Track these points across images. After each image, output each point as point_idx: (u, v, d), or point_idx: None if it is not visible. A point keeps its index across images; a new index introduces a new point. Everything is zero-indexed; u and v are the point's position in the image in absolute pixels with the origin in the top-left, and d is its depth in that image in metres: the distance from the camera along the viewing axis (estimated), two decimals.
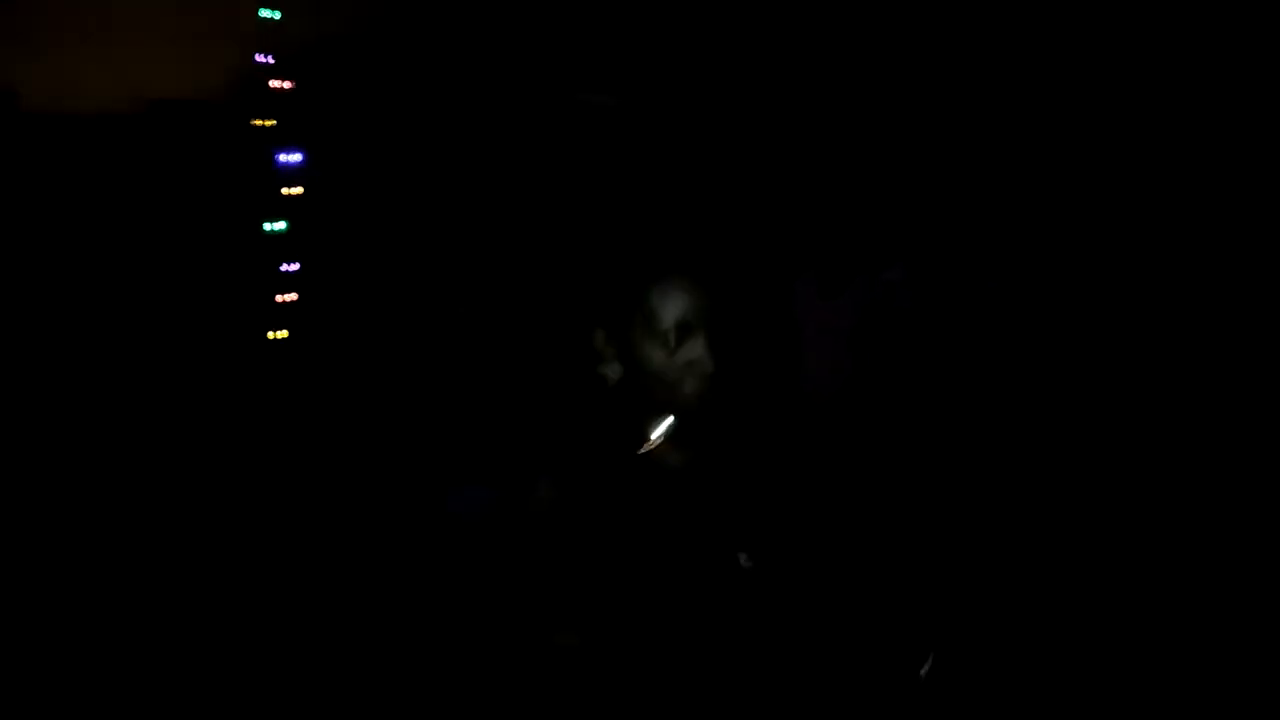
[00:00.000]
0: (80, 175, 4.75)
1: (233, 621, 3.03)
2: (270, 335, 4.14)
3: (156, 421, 4.05)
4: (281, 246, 4.35)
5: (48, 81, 4.58)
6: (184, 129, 5.10)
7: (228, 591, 3.17)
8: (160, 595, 3.20)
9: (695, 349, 1.72)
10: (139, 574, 3.30)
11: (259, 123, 4.52)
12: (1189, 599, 2.78)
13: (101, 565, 3.31)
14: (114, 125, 4.93)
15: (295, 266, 4.28)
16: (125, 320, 4.29)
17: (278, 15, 4.49)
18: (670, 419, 1.69)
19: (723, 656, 1.25)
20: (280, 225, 4.29)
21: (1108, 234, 3.38)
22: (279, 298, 4.25)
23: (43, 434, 3.82)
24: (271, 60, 4.56)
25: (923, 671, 1.21)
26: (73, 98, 4.80)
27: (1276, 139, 3.13)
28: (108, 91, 5.04)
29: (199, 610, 3.12)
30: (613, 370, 1.82)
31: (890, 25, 3.68)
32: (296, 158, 4.37)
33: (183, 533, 3.49)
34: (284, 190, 4.33)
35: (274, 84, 4.64)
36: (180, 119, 5.12)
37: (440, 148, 4.47)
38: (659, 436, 1.68)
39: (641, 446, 1.66)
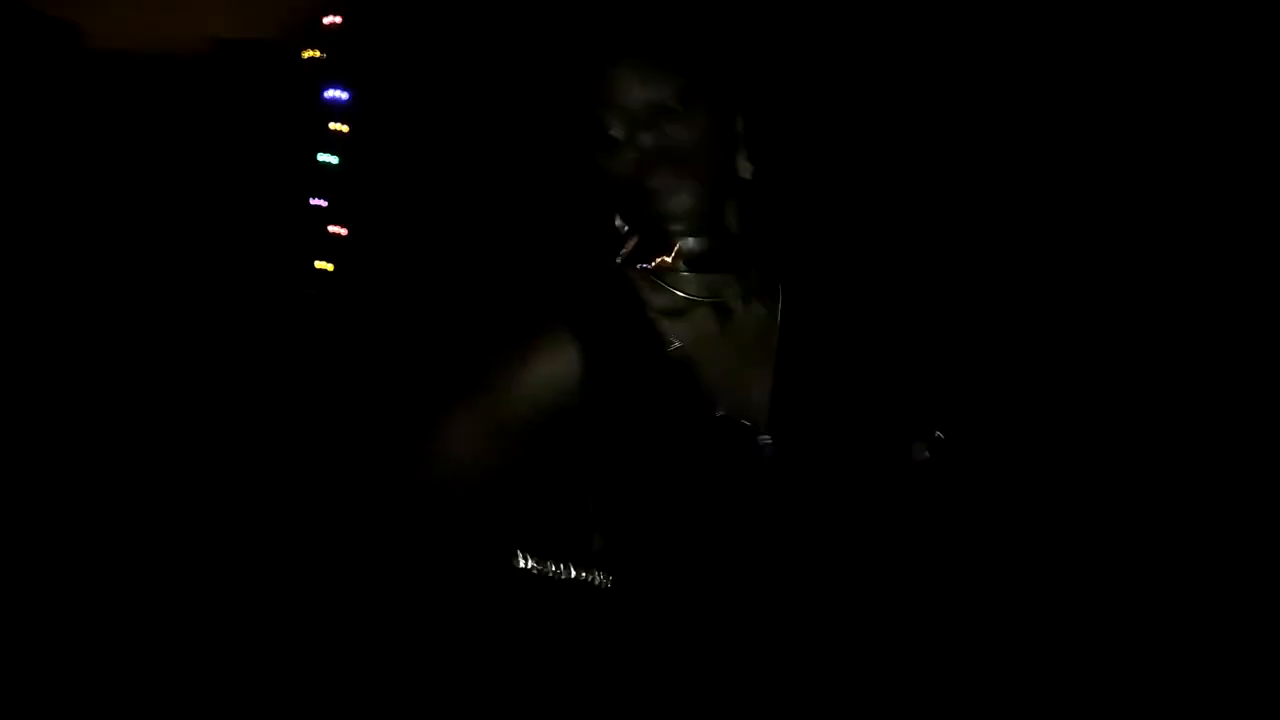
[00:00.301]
0: (140, 110, 4.86)
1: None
2: (318, 265, 4.25)
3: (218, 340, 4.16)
4: (331, 180, 4.44)
5: (111, 19, 4.70)
6: (245, 67, 5.20)
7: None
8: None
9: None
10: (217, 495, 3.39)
11: (311, 54, 4.59)
12: (1186, 598, 2.75)
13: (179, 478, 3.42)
14: (176, 63, 5.04)
15: (342, 201, 4.36)
16: (187, 245, 4.41)
17: None
18: None
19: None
20: (331, 159, 4.38)
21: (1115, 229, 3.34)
22: (331, 229, 4.35)
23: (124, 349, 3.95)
24: None
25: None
26: (134, 35, 4.92)
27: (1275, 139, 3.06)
28: (170, 30, 5.15)
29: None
30: None
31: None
32: (345, 95, 4.44)
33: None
34: (332, 125, 4.41)
35: (327, 20, 4.71)
36: (241, 57, 5.22)
37: (490, 87, 4.48)
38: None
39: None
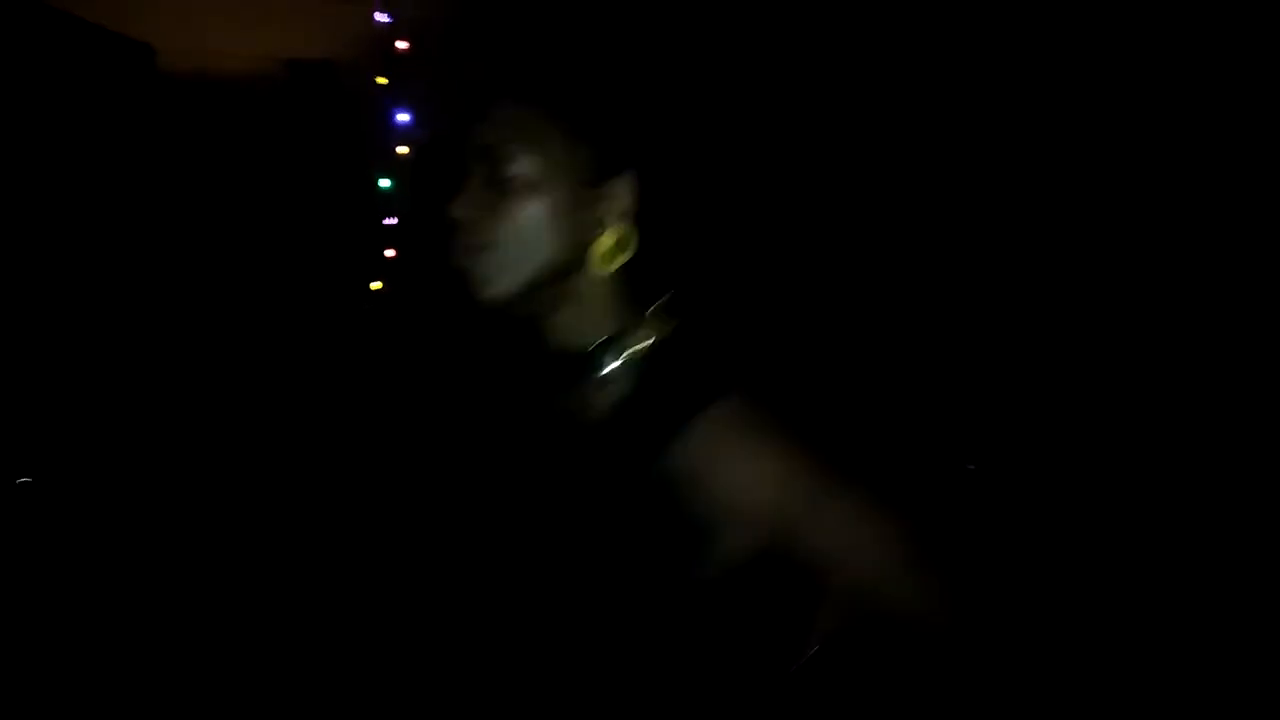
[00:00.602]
0: (209, 129, 4.98)
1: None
2: (372, 285, 4.31)
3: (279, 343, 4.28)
4: (390, 204, 4.50)
5: (185, 40, 4.81)
6: (312, 88, 5.31)
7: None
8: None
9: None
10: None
11: (381, 81, 4.66)
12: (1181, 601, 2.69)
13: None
14: (247, 83, 5.15)
15: (397, 222, 4.43)
16: (250, 261, 4.52)
17: None
18: None
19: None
20: (389, 183, 4.44)
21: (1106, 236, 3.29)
22: (386, 252, 4.41)
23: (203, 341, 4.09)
24: (391, 20, 4.70)
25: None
26: (206, 55, 5.04)
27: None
28: (240, 50, 5.26)
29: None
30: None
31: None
32: (408, 118, 4.50)
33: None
34: (398, 149, 4.47)
35: (396, 45, 4.79)
36: (308, 78, 5.32)
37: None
38: None
39: None
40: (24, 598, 2.77)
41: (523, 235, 0.97)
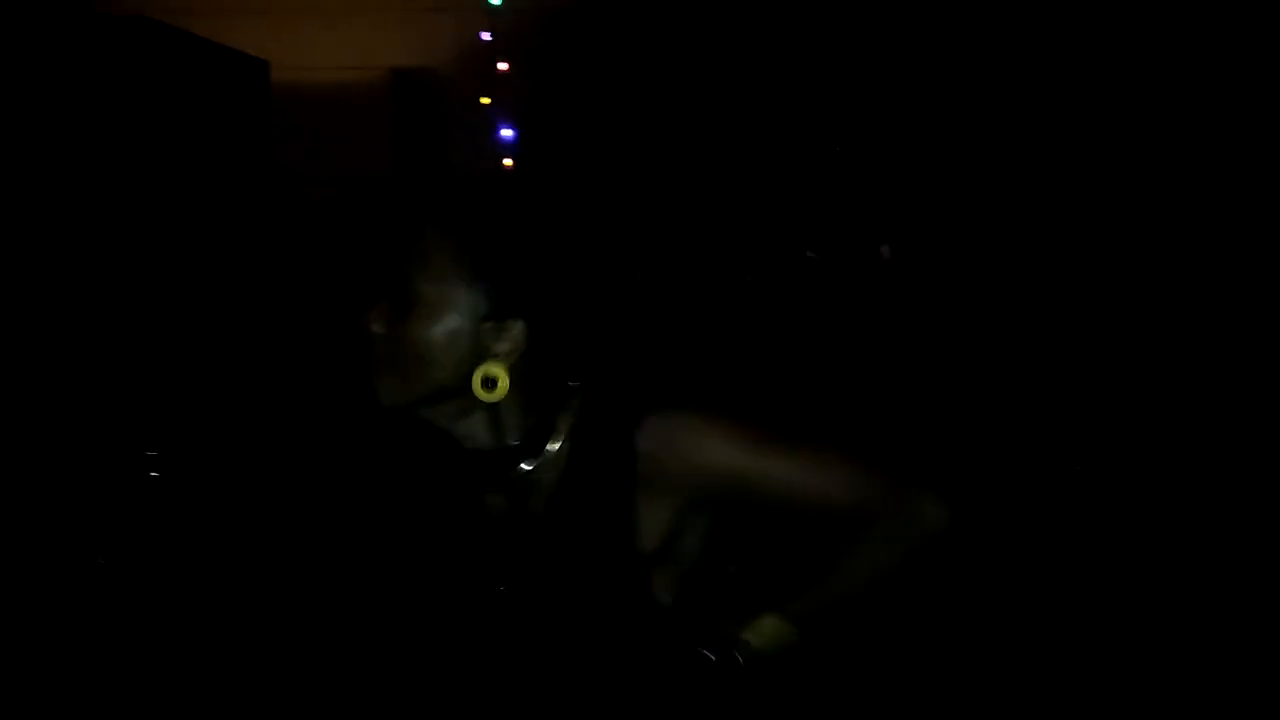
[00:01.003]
0: (320, 136, 5.14)
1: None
2: None
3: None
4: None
5: (298, 54, 4.98)
6: (415, 96, 5.46)
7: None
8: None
9: None
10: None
11: (484, 101, 4.78)
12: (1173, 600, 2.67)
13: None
14: (354, 92, 5.31)
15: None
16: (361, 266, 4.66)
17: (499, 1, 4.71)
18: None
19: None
20: None
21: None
22: None
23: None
24: (492, 38, 4.80)
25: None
26: (318, 68, 5.21)
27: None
28: (351, 61, 5.43)
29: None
30: None
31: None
32: (510, 133, 4.62)
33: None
34: (505, 161, 4.60)
35: (498, 65, 4.90)
36: (412, 87, 5.48)
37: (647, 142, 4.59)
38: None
39: None
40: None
41: (413, 355, 1.05)
